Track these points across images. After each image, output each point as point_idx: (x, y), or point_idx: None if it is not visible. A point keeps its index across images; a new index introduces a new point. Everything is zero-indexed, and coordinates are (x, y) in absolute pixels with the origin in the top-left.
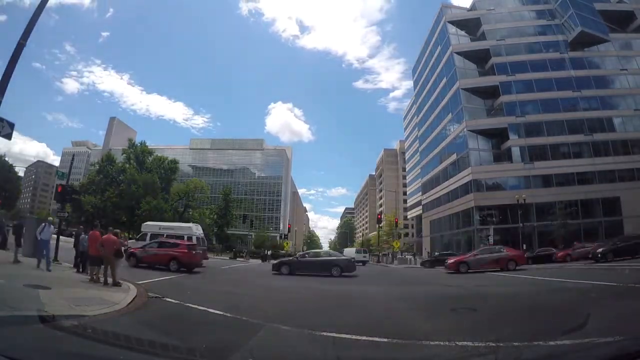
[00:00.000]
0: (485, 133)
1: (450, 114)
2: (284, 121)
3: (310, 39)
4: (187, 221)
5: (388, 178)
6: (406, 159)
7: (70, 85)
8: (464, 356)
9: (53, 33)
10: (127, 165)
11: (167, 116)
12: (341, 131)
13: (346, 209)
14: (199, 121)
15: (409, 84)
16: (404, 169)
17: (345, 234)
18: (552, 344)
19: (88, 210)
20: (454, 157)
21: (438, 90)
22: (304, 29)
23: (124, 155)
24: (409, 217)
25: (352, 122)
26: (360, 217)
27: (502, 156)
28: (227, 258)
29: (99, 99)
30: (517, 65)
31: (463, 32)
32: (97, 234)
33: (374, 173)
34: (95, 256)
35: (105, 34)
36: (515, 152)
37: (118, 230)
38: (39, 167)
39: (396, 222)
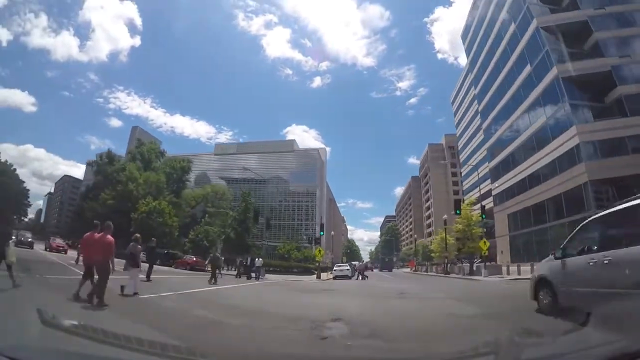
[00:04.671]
0: (581, 84)
1: (529, 65)
2: (301, 142)
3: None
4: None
5: (436, 176)
6: (459, 149)
7: (114, 121)
8: (464, 356)
9: (76, 64)
10: (129, 164)
11: (192, 136)
12: (362, 146)
13: (386, 217)
14: (222, 139)
15: (423, 90)
16: (453, 165)
17: (390, 242)
18: (552, 344)
19: (87, 217)
20: (542, 119)
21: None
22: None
23: (129, 154)
24: None
25: (373, 135)
26: (403, 224)
27: (606, 111)
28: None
29: (127, 123)
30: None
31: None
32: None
33: (417, 174)
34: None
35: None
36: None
37: (138, 235)
38: (66, 182)
39: (482, 209)
